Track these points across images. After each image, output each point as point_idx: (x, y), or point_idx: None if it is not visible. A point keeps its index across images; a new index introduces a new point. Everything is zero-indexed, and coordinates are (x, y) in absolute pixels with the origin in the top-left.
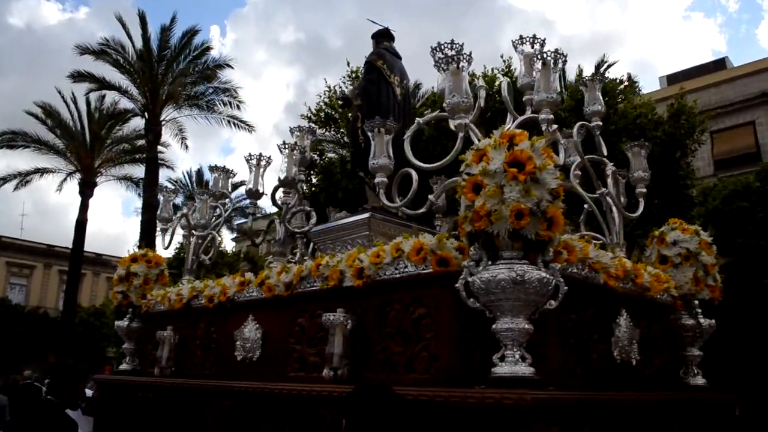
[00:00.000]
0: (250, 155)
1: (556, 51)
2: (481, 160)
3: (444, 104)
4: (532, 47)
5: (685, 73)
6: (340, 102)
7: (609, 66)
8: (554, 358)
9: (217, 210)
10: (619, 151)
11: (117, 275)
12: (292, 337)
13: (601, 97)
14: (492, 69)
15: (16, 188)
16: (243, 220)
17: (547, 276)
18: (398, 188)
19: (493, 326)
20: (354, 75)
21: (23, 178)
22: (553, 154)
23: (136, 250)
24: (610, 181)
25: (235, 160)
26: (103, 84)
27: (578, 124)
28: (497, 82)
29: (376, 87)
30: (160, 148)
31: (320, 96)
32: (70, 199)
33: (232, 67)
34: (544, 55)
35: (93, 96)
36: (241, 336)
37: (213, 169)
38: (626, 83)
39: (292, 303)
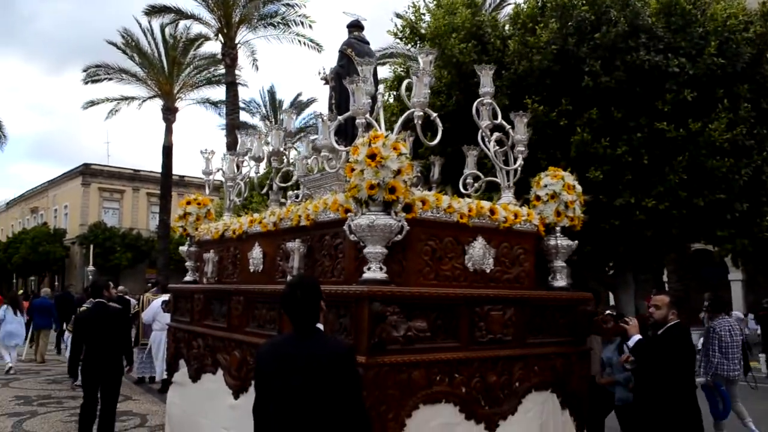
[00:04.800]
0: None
1: (425, 66)
2: (355, 153)
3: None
4: (426, 56)
5: None
6: (322, 82)
7: None
8: (411, 269)
9: (244, 163)
10: (708, 55)
11: (177, 215)
12: (278, 257)
13: (491, 82)
14: None
15: (107, 118)
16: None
17: (392, 221)
18: None
19: (364, 250)
20: None
21: (113, 108)
22: (400, 147)
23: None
24: (491, 143)
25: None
26: (178, 14)
27: (477, 101)
28: None
29: (346, 71)
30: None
31: (405, 11)
32: (151, 124)
33: None
34: (417, 71)
35: (167, 22)
36: (252, 256)
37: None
38: None
39: (278, 235)
